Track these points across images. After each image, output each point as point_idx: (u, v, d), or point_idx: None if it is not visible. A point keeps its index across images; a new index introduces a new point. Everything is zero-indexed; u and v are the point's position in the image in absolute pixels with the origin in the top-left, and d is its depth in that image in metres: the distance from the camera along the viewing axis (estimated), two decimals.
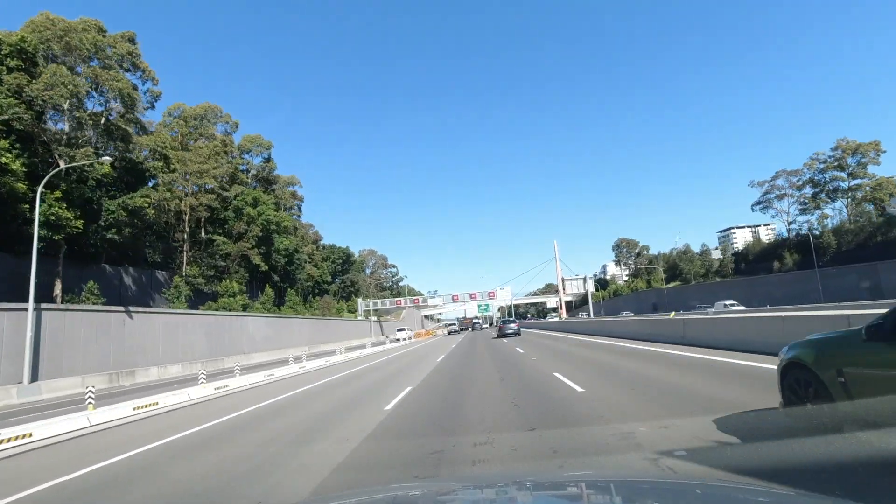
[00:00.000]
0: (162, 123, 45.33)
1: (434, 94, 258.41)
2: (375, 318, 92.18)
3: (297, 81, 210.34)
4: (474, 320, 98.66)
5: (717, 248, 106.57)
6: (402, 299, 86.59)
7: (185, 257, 42.16)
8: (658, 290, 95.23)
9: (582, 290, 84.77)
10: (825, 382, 3.85)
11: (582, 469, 4.01)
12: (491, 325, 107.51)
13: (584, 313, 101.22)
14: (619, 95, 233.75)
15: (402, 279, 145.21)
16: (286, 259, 60.54)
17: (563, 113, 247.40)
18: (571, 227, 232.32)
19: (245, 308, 48.15)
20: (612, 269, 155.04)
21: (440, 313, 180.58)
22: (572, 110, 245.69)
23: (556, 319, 74.16)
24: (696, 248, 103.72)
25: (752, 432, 4.83)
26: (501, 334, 36.70)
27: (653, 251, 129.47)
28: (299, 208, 77.68)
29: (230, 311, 42.38)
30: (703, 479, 2.66)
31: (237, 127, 54.10)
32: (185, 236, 42.41)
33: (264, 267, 53.78)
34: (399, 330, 62.74)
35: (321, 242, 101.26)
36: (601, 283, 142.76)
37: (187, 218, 42.55)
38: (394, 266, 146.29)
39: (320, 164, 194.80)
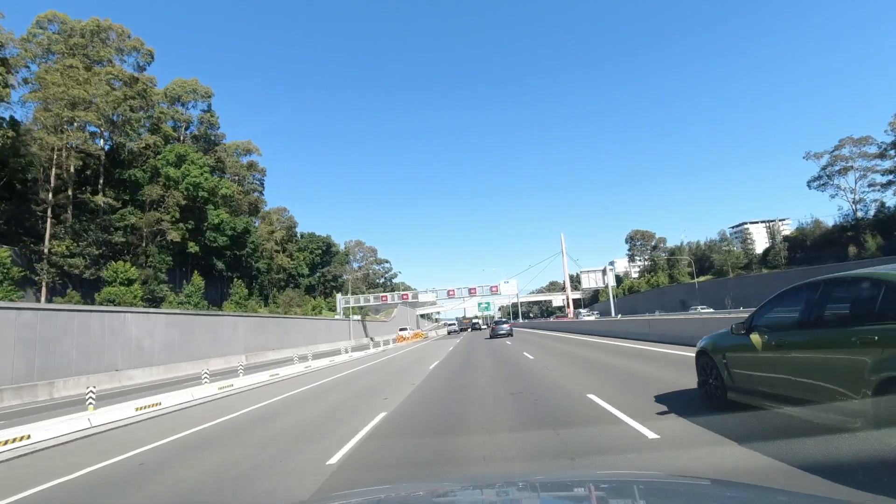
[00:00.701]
0: (25, 37, 31.62)
1: (432, 87, 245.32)
2: (358, 318, 78.74)
3: (293, 75, 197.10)
4: (474, 320, 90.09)
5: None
6: (389, 294, 73.11)
7: (49, 226, 28.53)
8: (686, 286, 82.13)
9: (600, 284, 71.59)
10: (717, 363, 5.64)
11: (583, 469, 4.12)
12: (489, 325, 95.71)
13: (594, 312, 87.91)
14: (617, 91, 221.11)
15: (396, 275, 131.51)
16: (231, 241, 47.00)
17: (562, 107, 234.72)
18: (575, 226, 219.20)
19: (154, 302, 34.52)
20: (621, 266, 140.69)
21: (438, 312, 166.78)
22: (571, 104, 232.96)
23: (569, 319, 61.40)
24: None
25: (673, 404, 6.32)
26: (494, 335, 38.24)
27: (669, 244, 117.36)
28: (261, 184, 64.02)
29: (116, 304, 28.82)
30: (705, 479, 2.37)
31: (152, 58, 40.45)
32: (50, 196, 28.77)
33: (193, 248, 40.36)
34: (401, 330, 54.86)
35: (297, 229, 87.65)
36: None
37: (54, 171, 28.91)
38: (387, 261, 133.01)
39: (313, 158, 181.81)
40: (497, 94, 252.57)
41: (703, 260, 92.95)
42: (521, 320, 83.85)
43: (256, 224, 63.08)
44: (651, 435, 4.92)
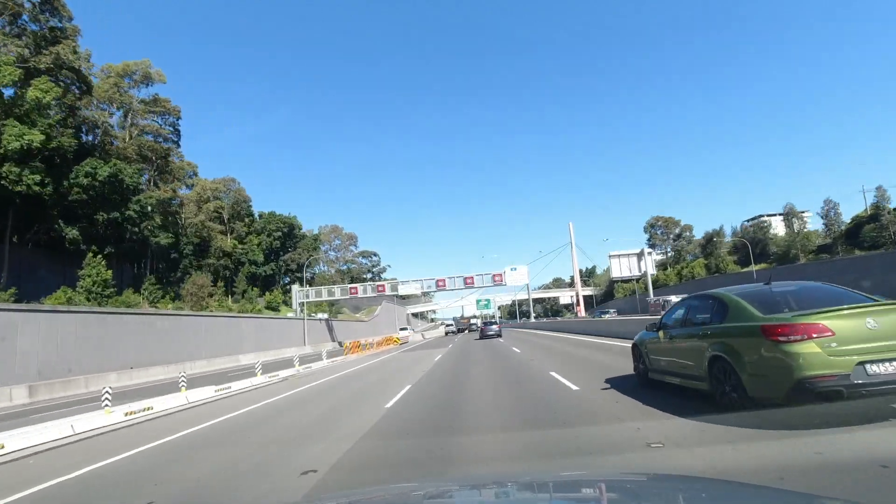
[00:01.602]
0: None
1: (433, 88, 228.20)
2: (324, 316, 61.55)
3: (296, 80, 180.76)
4: (472, 320, 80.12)
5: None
6: (360, 286, 56.00)
7: None
8: (737, 276, 65.78)
9: (634, 272, 55.12)
10: (642, 352, 7.70)
11: (581, 468, 4.18)
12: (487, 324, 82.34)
13: (611, 310, 71.18)
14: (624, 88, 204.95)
15: (385, 269, 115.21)
16: (88, 193, 30.00)
17: (562, 100, 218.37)
18: (582, 217, 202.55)
19: None
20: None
21: (433, 311, 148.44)
22: (575, 98, 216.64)
23: (581, 318, 54.92)
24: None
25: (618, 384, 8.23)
26: (483, 335, 36.65)
27: (697, 232, 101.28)
28: (175, 129, 46.55)
29: None
30: (703, 478, 2.66)
31: None
32: None
33: None
34: (402, 334, 47.06)
35: (252, 207, 70.30)
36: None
37: None
38: (374, 254, 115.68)
39: (298, 145, 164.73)
40: (497, 90, 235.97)
41: (745, 247, 76.88)
42: (532, 320, 66.61)
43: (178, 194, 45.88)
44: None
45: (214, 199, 61.52)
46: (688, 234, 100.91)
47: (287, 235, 73.44)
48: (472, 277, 54.44)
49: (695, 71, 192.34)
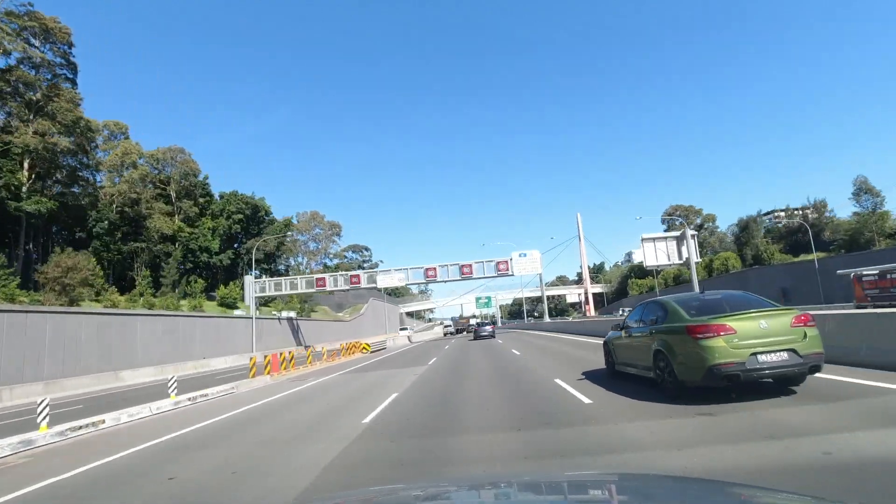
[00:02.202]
0: None
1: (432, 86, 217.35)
2: (289, 315, 50.07)
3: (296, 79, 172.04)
4: (471, 320, 75.27)
5: None
6: (329, 276, 44.45)
7: None
8: (788, 266, 54.99)
9: (674, 259, 43.98)
10: (610, 349, 9.01)
11: (581, 468, 4.18)
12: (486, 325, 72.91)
13: (627, 309, 59.63)
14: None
15: (377, 265, 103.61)
16: None
17: (562, 100, 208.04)
18: (591, 210, 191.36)
19: None
20: (639, 256, 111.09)
21: (431, 310, 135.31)
22: (575, 98, 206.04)
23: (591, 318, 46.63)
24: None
25: (590, 376, 9.48)
26: (477, 336, 35.64)
27: (722, 222, 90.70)
28: (68, 62, 34.59)
29: None
30: (701, 479, 2.65)
31: None
32: None
33: None
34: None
35: (203, 183, 58.72)
36: (637, 272, 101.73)
37: None
38: (365, 248, 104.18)
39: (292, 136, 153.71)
40: (497, 90, 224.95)
41: (793, 233, 65.79)
42: (547, 319, 54.50)
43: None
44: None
45: (157, 173, 50.05)
46: (710, 224, 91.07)
47: (250, 219, 61.86)
48: (469, 266, 43.11)
49: (695, 71, 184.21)
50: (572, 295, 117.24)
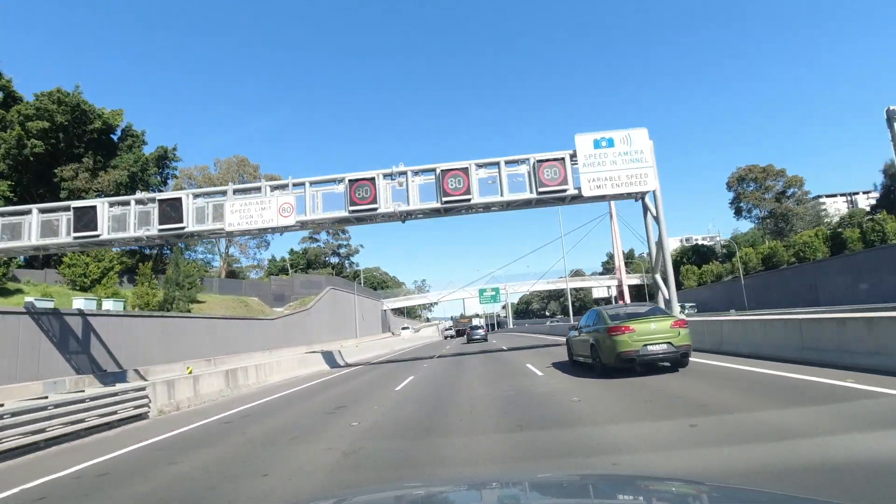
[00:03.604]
0: None
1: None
2: (47, 304, 19.05)
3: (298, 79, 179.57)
4: (473, 319, 58.84)
5: None
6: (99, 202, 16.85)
7: None
8: None
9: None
10: (568, 345, 12.60)
11: (573, 469, 4.33)
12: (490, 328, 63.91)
13: (689, 304, 49.76)
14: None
15: (357, 251, 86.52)
16: None
17: (562, 100, 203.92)
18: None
19: None
20: (673, 244, 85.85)
21: (428, 307, 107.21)
22: (575, 97, 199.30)
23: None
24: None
25: (558, 366, 12.54)
26: (470, 339, 35.55)
27: (812, 187, 72.89)
28: None
29: None
30: (699, 480, 2.65)
31: None
32: None
33: None
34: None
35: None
36: (698, 253, 74.52)
37: None
38: (343, 230, 77.81)
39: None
40: (497, 90, 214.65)
41: None
42: (575, 320, 30.11)
43: None
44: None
45: None
46: (797, 190, 68.34)
47: (64, 129, 32.66)
48: (464, 170, 16.06)
49: (695, 70, 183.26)
50: (600, 288, 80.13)
